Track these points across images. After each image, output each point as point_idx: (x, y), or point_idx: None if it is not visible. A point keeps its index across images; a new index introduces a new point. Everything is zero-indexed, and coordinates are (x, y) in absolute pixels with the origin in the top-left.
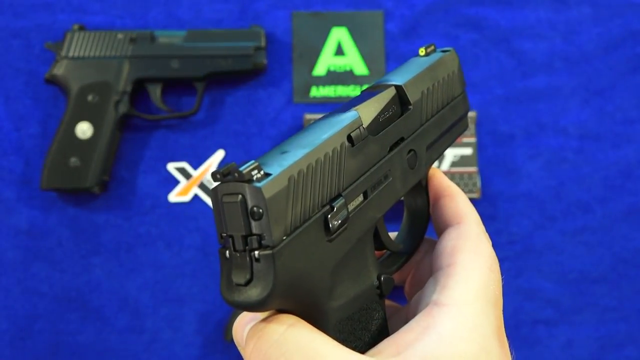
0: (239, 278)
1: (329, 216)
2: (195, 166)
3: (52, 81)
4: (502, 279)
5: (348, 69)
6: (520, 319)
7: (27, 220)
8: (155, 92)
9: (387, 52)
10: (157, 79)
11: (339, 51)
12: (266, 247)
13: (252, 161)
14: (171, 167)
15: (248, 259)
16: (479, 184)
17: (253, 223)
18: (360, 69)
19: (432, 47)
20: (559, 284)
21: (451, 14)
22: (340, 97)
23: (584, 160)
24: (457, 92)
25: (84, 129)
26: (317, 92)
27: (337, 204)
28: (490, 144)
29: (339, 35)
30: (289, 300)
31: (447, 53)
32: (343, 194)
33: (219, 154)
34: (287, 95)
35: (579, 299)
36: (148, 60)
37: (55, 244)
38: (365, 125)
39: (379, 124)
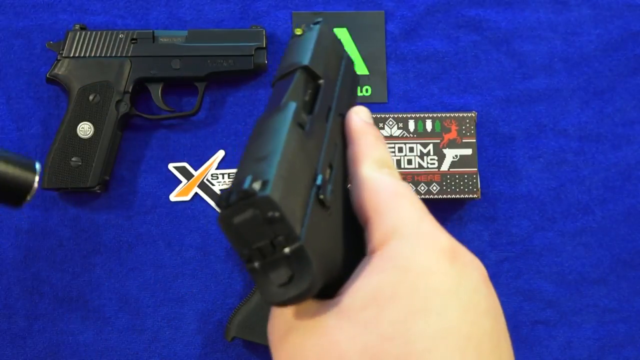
0: (280, 279)
1: (320, 196)
2: (196, 166)
3: (54, 81)
4: (489, 280)
5: None
6: (520, 320)
7: (28, 220)
8: (156, 92)
9: (388, 53)
10: (158, 78)
11: None
12: (293, 242)
13: (249, 176)
14: (172, 166)
15: (282, 259)
16: (478, 184)
17: (274, 227)
18: (361, 69)
19: (303, 26)
20: (558, 285)
21: (452, 15)
22: None
23: (583, 162)
24: (341, 53)
25: (85, 129)
26: None
27: (320, 182)
28: (490, 145)
29: (340, 35)
30: (322, 279)
31: (320, 24)
32: (318, 173)
33: (220, 154)
34: None
35: (578, 300)
36: (149, 60)
37: (56, 244)
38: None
39: (307, 104)
